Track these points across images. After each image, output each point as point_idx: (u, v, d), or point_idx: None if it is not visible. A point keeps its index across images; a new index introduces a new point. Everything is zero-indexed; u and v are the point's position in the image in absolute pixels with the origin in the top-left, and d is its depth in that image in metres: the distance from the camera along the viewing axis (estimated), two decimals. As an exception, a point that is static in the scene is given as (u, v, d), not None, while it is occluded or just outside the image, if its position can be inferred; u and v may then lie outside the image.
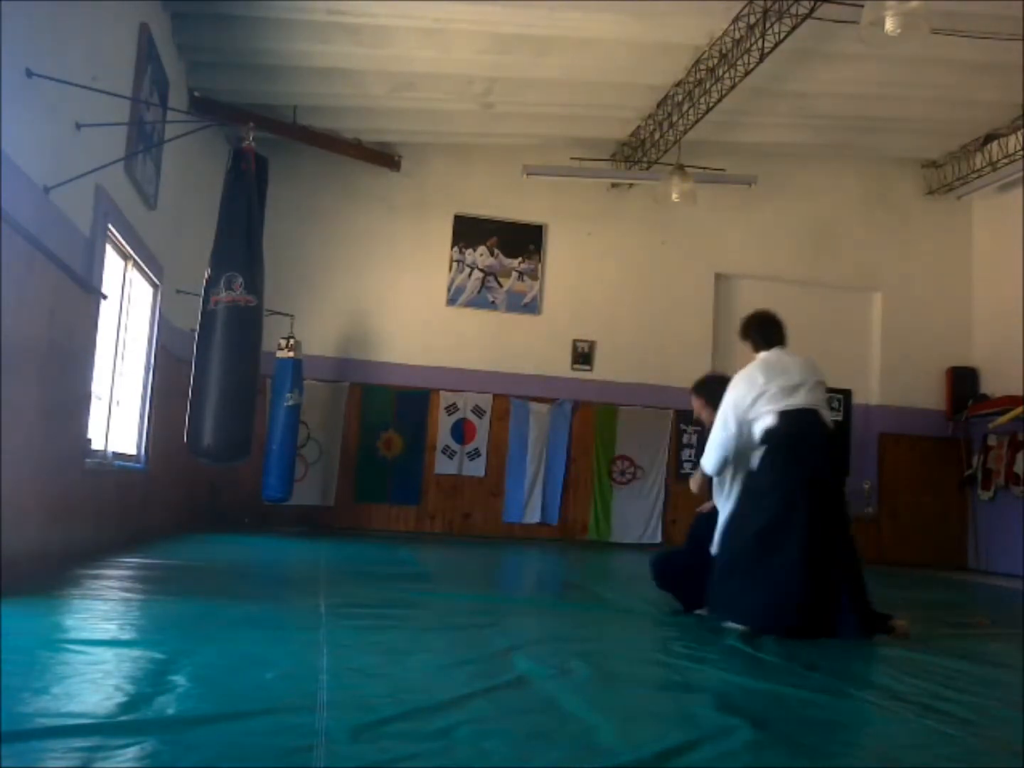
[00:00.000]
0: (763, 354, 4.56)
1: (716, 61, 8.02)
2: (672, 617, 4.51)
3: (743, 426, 4.29)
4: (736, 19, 7.51)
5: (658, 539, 10.16)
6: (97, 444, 5.86)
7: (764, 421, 4.26)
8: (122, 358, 6.32)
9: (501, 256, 10.46)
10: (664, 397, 10.46)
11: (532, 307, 10.48)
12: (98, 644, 2.93)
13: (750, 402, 4.30)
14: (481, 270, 10.41)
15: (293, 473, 9.01)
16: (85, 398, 5.34)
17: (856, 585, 4.08)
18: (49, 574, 4.42)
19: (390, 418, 10.00)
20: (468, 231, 10.39)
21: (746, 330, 4.68)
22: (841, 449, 4.34)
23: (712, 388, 4.80)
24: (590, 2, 7.06)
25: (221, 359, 5.11)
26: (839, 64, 8.13)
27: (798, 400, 4.29)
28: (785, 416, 4.24)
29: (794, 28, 7.22)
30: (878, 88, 8.57)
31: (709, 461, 4.43)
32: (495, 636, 3.56)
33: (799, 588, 3.99)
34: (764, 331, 4.62)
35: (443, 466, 10.04)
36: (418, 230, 10.27)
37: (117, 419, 6.35)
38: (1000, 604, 7.03)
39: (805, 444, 4.21)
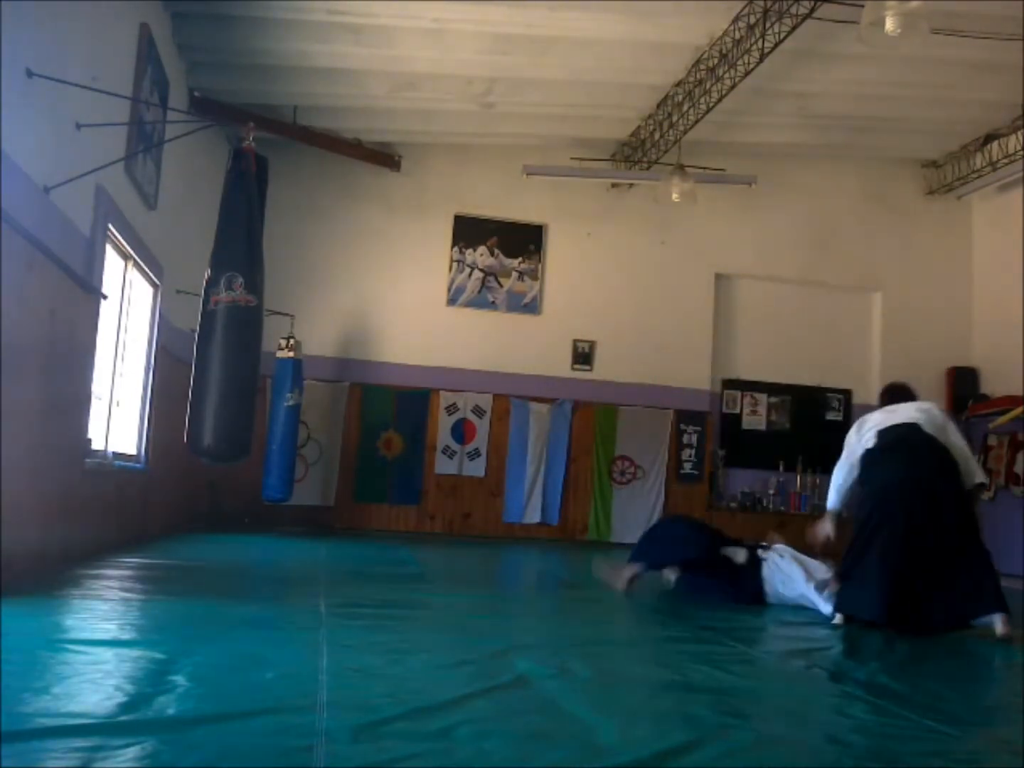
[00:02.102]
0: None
1: (716, 61, 8.02)
2: (672, 616, 4.52)
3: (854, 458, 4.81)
4: (736, 19, 7.51)
5: (658, 539, 10.16)
6: (97, 444, 5.86)
7: (869, 443, 4.74)
8: (122, 358, 6.32)
9: (501, 256, 10.46)
10: (664, 397, 10.47)
11: (532, 307, 10.48)
12: (98, 644, 2.93)
13: (857, 432, 4.88)
14: (481, 270, 10.41)
15: (293, 473, 9.01)
16: (85, 398, 5.34)
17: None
18: (49, 574, 4.42)
19: (390, 418, 10.00)
20: (468, 231, 10.40)
21: (880, 396, 5.28)
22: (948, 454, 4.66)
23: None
24: (590, 2, 7.06)
25: (221, 359, 5.11)
26: (839, 64, 8.13)
27: (896, 418, 4.74)
28: (883, 433, 4.70)
29: (794, 28, 7.22)
30: (878, 88, 8.57)
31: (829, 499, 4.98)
32: (495, 636, 3.56)
33: (883, 583, 4.35)
34: (886, 397, 5.15)
35: (443, 466, 10.04)
36: (418, 230, 10.27)
37: (117, 419, 6.35)
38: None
39: (900, 450, 4.61)
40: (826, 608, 4.93)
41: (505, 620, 4.30)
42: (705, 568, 5.35)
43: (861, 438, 4.80)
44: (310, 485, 9.68)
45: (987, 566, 4.40)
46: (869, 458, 4.69)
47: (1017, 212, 9.88)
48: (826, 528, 4.89)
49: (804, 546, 5.34)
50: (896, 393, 5.10)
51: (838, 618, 4.61)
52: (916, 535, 4.36)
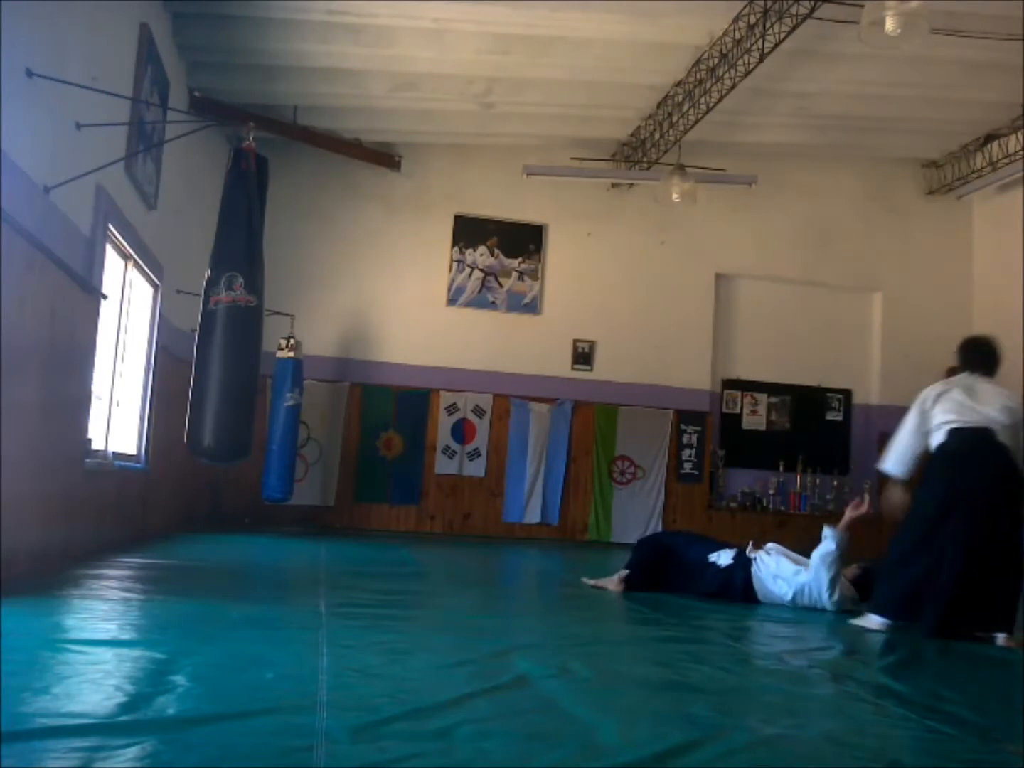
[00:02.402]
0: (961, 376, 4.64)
1: (716, 61, 8.02)
2: (670, 616, 4.52)
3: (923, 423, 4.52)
4: (736, 19, 7.51)
5: (658, 539, 10.17)
6: (97, 444, 5.86)
7: (938, 437, 4.45)
8: (122, 358, 6.32)
9: (501, 256, 10.46)
10: (664, 397, 10.48)
11: (532, 307, 10.48)
12: (98, 644, 2.92)
13: (933, 401, 4.51)
14: (481, 270, 10.42)
15: (293, 473, 9.01)
16: (85, 398, 5.34)
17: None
18: (49, 574, 4.42)
19: (390, 418, 10.00)
20: (468, 231, 10.40)
21: (960, 349, 4.75)
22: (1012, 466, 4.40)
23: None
24: (590, 2, 7.06)
25: (221, 359, 5.11)
26: (839, 64, 8.14)
27: (974, 415, 4.39)
28: (955, 433, 4.39)
29: (794, 28, 7.22)
30: (878, 88, 8.57)
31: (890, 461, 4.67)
32: (495, 636, 3.56)
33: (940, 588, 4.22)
34: (969, 357, 4.66)
35: (443, 466, 10.05)
36: (418, 230, 10.27)
37: (117, 419, 6.35)
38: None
39: (969, 462, 4.34)
40: (830, 602, 4.93)
41: (505, 620, 4.30)
42: (694, 572, 5.35)
43: (934, 412, 4.48)
44: (310, 485, 9.69)
45: (1016, 584, 4.29)
46: (935, 461, 4.47)
47: (1017, 212, 9.88)
48: (899, 496, 4.65)
49: (808, 545, 5.33)
50: (982, 358, 4.62)
51: (877, 622, 4.43)
52: (973, 548, 4.24)
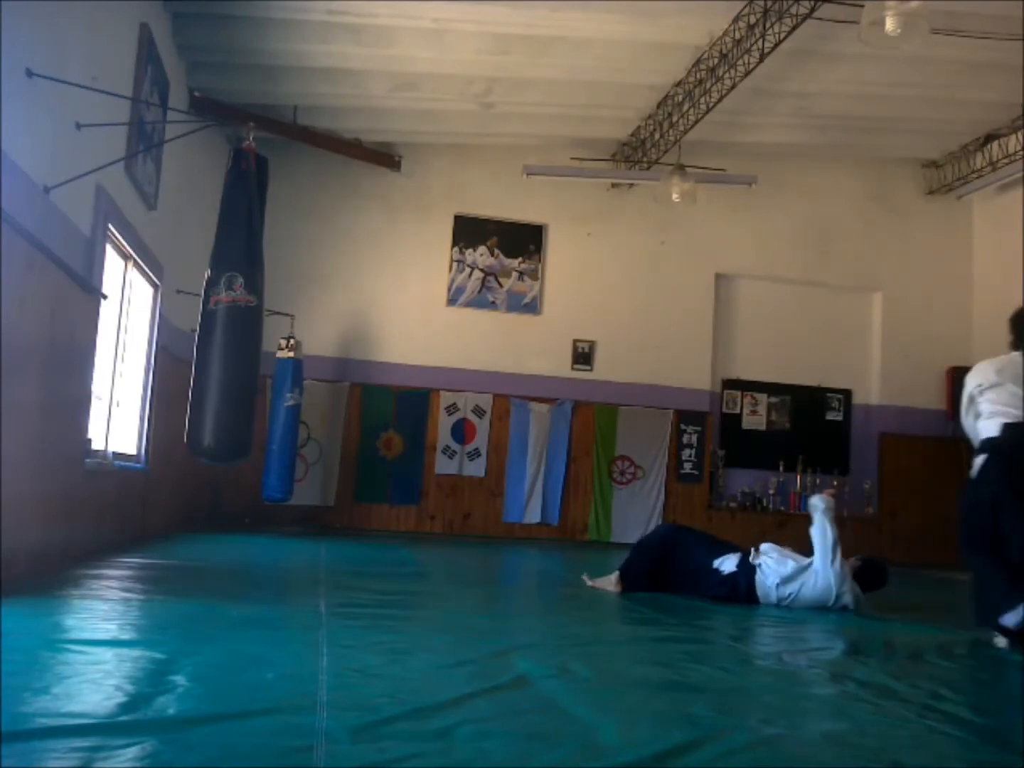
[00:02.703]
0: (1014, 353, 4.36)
1: (716, 61, 8.02)
2: (671, 616, 4.52)
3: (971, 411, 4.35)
4: (736, 19, 7.52)
5: (658, 539, 10.15)
6: (97, 444, 5.87)
7: (989, 427, 4.24)
8: (122, 358, 6.32)
9: (501, 256, 10.46)
10: (664, 397, 10.48)
11: (532, 307, 10.48)
12: (98, 644, 2.92)
13: (980, 387, 4.30)
14: (481, 270, 10.42)
15: (293, 473, 9.01)
16: (85, 398, 5.34)
17: None
18: (49, 574, 4.42)
19: (390, 418, 10.00)
20: (468, 231, 10.40)
21: (1013, 322, 4.42)
22: None
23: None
24: (590, 2, 7.06)
25: (221, 359, 5.11)
26: (839, 64, 8.14)
27: None
28: (1007, 428, 4.18)
29: (794, 28, 7.23)
30: (878, 88, 8.58)
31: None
32: (495, 636, 3.56)
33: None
34: (1022, 331, 4.34)
35: (443, 466, 10.05)
36: (418, 230, 10.27)
37: (117, 419, 6.35)
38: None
39: (1017, 456, 4.14)
40: (833, 567, 4.93)
41: (505, 620, 4.30)
42: (696, 577, 5.31)
43: (982, 400, 4.28)
44: (310, 485, 9.69)
45: None
46: (987, 456, 4.26)
47: (1017, 212, 9.87)
48: None
49: (808, 545, 5.32)
50: None
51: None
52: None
